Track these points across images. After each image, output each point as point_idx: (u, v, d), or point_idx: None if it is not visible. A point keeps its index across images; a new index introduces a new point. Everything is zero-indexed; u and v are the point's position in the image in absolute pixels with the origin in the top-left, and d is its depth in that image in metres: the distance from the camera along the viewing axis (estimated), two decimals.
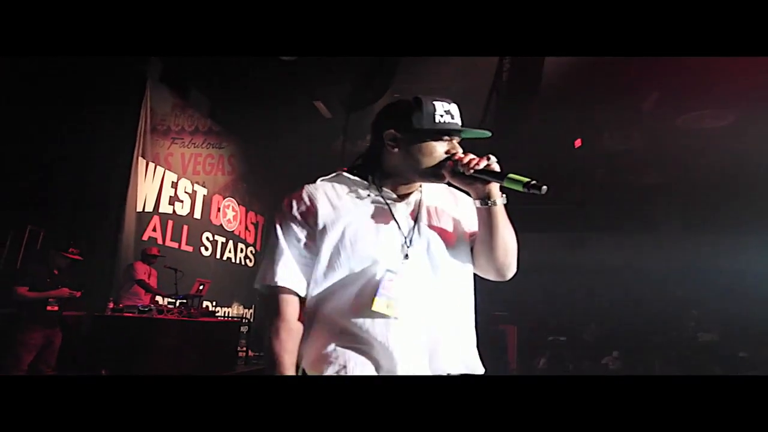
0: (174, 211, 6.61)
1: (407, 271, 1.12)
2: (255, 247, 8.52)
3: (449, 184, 1.21)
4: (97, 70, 5.25)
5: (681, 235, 10.04)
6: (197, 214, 7.06)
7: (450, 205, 1.28)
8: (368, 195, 1.21)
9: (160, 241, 6.28)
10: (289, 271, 1.14)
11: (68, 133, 5.42)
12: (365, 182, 1.22)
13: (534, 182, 1.03)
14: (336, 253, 1.13)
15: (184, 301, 5.43)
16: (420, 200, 1.24)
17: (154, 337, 4.52)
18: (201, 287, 5.72)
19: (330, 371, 1.08)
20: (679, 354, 8.00)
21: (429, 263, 1.16)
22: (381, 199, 1.20)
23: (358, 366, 1.08)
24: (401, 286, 1.10)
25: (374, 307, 1.08)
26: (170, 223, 6.54)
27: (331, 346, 1.10)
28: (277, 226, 1.19)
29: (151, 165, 6.19)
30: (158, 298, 5.59)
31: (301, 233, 1.16)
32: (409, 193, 1.24)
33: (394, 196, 1.22)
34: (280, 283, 1.13)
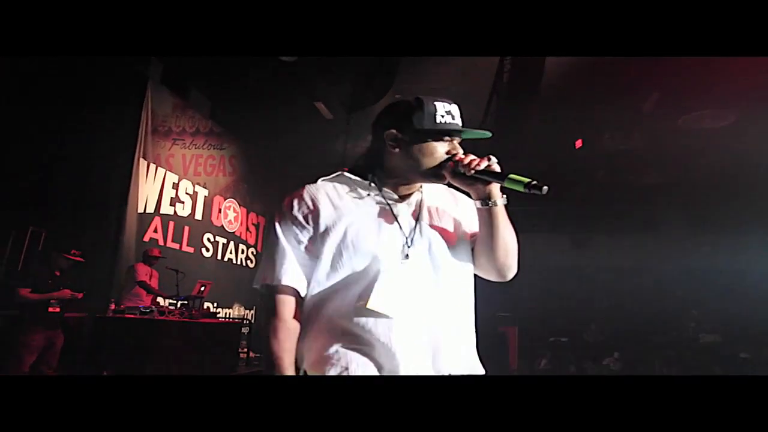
0: (175, 212, 6.61)
1: (408, 271, 1.12)
2: (256, 248, 8.51)
3: (449, 185, 1.21)
4: (97, 70, 5.25)
5: (681, 235, 10.02)
6: (198, 215, 7.05)
7: (450, 205, 1.28)
8: (369, 195, 1.21)
9: (161, 243, 6.28)
10: (289, 271, 1.14)
11: (69, 133, 5.43)
12: (366, 182, 1.22)
13: (535, 182, 1.03)
14: (338, 253, 1.13)
15: (186, 302, 5.42)
16: (421, 200, 1.24)
17: (156, 339, 4.52)
18: (202, 288, 5.72)
19: (332, 373, 1.07)
20: (679, 354, 8.00)
21: (430, 263, 1.15)
22: (382, 200, 1.20)
23: (360, 367, 1.07)
24: (397, 285, 1.10)
25: (369, 305, 1.07)
26: (171, 224, 6.54)
27: (333, 348, 1.09)
28: (277, 226, 1.18)
29: (152, 166, 6.19)
30: (159, 300, 5.59)
31: (301, 234, 1.16)
32: (410, 194, 1.24)
33: (396, 196, 1.21)
34: (282, 282, 1.13)
